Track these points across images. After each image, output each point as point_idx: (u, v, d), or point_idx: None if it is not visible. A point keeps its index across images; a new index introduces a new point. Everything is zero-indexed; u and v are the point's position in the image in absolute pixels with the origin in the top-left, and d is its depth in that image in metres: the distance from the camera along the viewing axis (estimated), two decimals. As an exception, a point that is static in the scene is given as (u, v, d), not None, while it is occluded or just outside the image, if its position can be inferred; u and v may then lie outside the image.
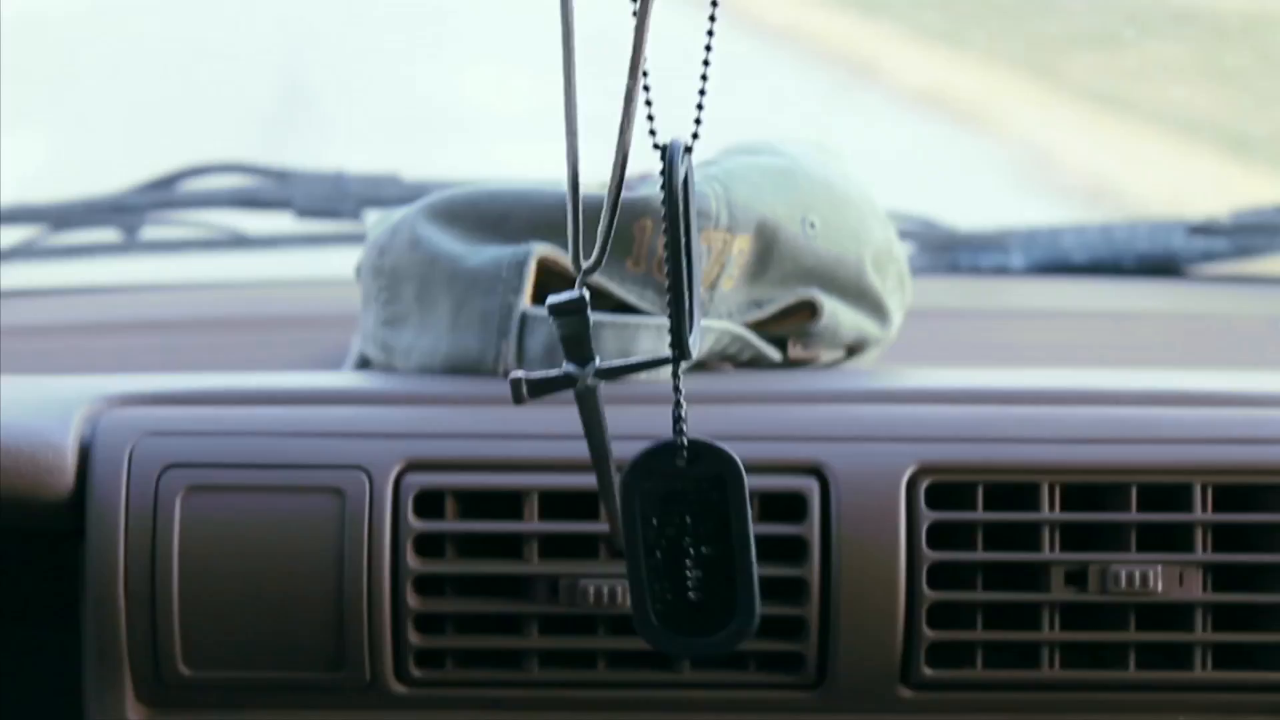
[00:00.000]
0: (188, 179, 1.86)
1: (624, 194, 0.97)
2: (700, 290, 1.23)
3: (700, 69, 0.95)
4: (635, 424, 1.12)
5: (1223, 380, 1.31)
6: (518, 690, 1.20)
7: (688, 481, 0.99)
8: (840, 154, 1.39)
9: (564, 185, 0.95)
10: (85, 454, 1.20)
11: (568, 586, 1.18)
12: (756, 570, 0.99)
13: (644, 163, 0.99)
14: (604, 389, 1.00)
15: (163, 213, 1.85)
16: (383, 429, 1.21)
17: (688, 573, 1.00)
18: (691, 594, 1.00)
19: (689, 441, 0.99)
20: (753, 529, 0.99)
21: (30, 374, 1.31)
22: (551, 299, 0.97)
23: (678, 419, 0.98)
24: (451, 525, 1.19)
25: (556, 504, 1.19)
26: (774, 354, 1.31)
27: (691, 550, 1.00)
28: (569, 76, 0.93)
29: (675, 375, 0.98)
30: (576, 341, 0.98)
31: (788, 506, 1.20)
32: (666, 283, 0.96)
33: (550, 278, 1.25)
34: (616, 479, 1.00)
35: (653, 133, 0.95)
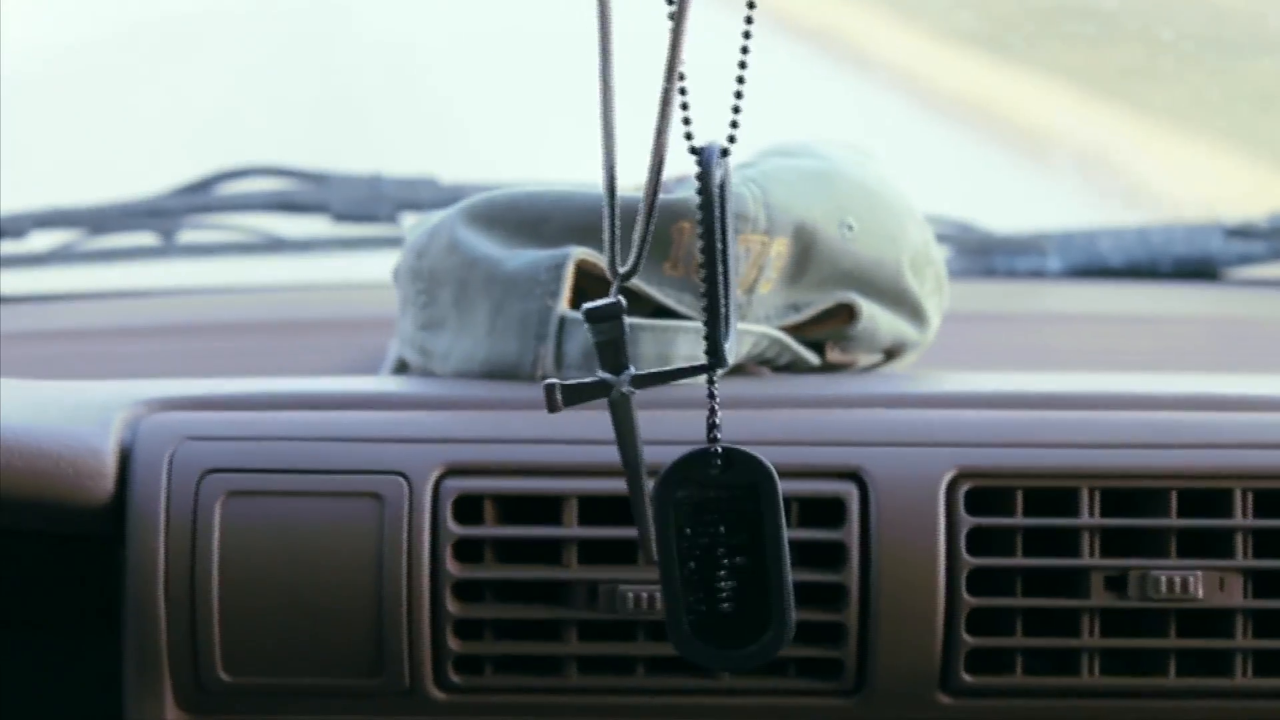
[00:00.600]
0: (224, 182, 1.86)
1: (661, 196, 0.96)
2: (737, 294, 1.22)
3: (737, 71, 0.94)
4: (671, 429, 1.12)
5: (1262, 384, 1.30)
6: (556, 696, 1.20)
7: (721, 490, 0.98)
8: (877, 156, 1.38)
9: (602, 187, 0.95)
10: (125, 459, 1.20)
11: (607, 592, 1.18)
12: (791, 581, 0.98)
13: (681, 164, 0.98)
14: (639, 394, 0.99)
15: (199, 216, 1.85)
16: (421, 434, 1.21)
17: (721, 583, 0.99)
18: (725, 605, 0.98)
19: (723, 449, 0.98)
20: (787, 538, 0.98)
21: (69, 378, 1.31)
22: (587, 306, 0.96)
23: (712, 426, 0.98)
24: (491, 530, 1.19)
25: (596, 509, 1.19)
26: (812, 358, 1.31)
27: (725, 560, 0.98)
28: (605, 79, 0.93)
29: (710, 383, 0.97)
30: (612, 348, 0.97)
31: (827, 512, 1.20)
32: (703, 287, 0.95)
33: (589, 281, 1.25)
34: (649, 487, 0.99)
35: (689, 136, 0.95)
